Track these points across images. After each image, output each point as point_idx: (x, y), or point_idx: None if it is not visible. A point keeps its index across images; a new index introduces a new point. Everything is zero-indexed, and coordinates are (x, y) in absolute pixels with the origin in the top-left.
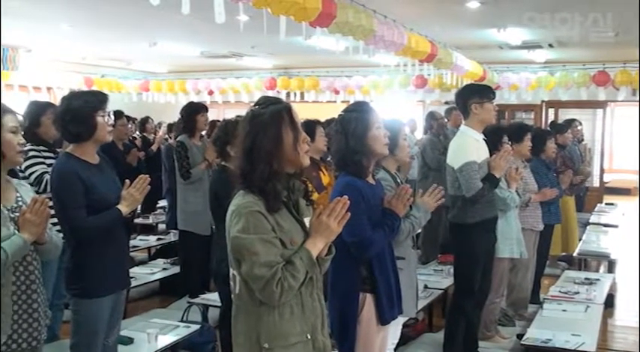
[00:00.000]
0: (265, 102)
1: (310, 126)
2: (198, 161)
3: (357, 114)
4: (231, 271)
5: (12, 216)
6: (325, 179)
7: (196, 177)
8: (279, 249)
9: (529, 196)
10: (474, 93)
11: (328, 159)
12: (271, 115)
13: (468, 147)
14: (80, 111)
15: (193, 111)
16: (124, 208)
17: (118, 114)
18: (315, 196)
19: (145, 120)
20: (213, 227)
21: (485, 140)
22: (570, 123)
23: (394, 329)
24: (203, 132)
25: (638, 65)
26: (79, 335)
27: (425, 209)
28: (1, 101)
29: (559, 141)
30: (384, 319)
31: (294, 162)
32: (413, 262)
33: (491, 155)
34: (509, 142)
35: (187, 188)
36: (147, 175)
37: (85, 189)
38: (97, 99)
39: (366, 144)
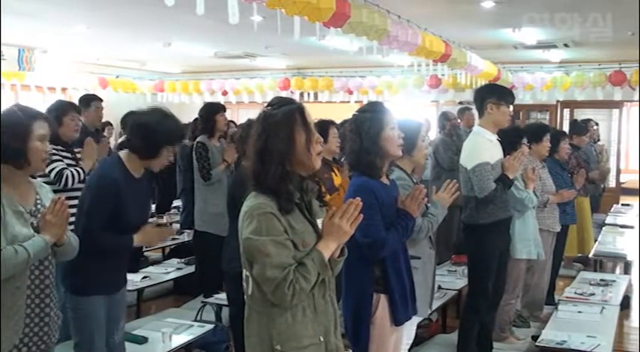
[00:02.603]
0: (278, 102)
1: (323, 126)
2: (218, 162)
3: (371, 115)
4: (244, 272)
5: (32, 217)
6: (337, 180)
7: (217, 178)
8: (290, 251)
9: (547, 197)
10: (493, 94)
11: (341, 159)
12: (284, 116)
13: (482, 147)
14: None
15: (213, 112)
16: (138, 238)
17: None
18: (326, 197)
19: None
20: None
21: (500, 141)
22: (586, 123)
23: (408, 330)
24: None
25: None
26: (79, 334)
27: (442, 205)
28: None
29: (575, 141)
30: (397, 320)
31: (306, 164)
32: (429, 262)
33: (506, 155)
34: (528, 143)
35: (207, 189)
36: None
37: (115, 206)
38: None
39: (380, 144)
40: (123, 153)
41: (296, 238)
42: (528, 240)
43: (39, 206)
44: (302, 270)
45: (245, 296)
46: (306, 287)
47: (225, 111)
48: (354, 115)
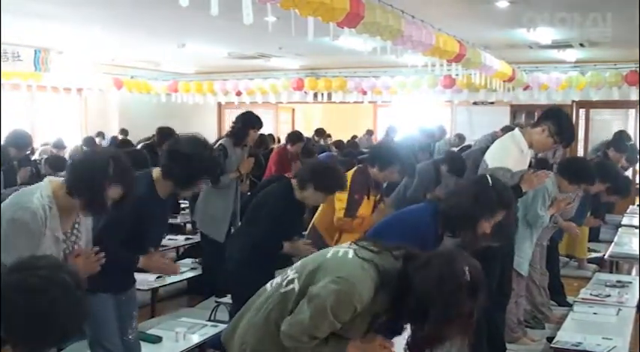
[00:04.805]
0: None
1: (391, 155)
2: (232, 169)
3: (492, 194)
4: (290, 275)
5: (64, 243)
6: (364, 208)
7: (224, 185)
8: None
9: (558, 220)
10: (558, 125)
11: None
12: (456, 290)
13: (510, 154)
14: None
15: (249, 124)
16: (143, 261)
17: None
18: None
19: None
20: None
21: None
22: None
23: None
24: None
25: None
26: (91, 331)
27: None
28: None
29: (610, 155)
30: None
31: None
32: None
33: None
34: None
35: (211, 190)
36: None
37: (133, 225)
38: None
39: (472, 223)
40: (156, 174)
41: (347, 322)
42: (525, 253)
43: (75, 231)
44: (319, 346)
45: (271, 287)
46: None
47: (260, 127)
48: (486, 175)
